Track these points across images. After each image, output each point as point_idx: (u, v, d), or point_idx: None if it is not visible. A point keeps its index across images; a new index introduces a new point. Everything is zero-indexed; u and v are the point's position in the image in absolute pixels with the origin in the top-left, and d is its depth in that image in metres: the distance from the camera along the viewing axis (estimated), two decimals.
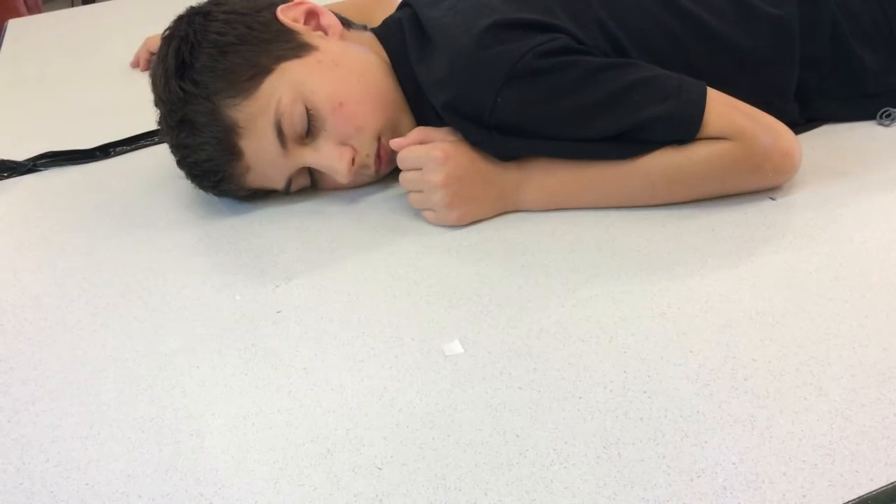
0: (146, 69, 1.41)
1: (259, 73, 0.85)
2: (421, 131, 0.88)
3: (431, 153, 0.84)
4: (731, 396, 0.60)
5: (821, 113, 0.95)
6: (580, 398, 0.62)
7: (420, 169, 0.85)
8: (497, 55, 0.80)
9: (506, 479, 0.56)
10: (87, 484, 0.59)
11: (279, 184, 0.92)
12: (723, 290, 0.72)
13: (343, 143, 0.88)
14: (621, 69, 0.81)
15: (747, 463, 0.55)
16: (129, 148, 1.14)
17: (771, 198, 0.84)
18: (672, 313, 0.69)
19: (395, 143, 0.87)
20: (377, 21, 0.99)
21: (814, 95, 0.93)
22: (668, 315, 0.69)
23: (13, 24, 1.85)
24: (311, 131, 0.87)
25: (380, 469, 0.58)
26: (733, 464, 0.55)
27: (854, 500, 0.52)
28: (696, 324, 0.68)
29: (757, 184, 0.83)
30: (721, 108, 0.80)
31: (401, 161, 0.87)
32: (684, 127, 0.79)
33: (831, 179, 0.86)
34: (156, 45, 1.38)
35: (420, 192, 0.86)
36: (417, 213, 0.88)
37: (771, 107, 0.82)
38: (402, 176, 0.87)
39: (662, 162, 0.81)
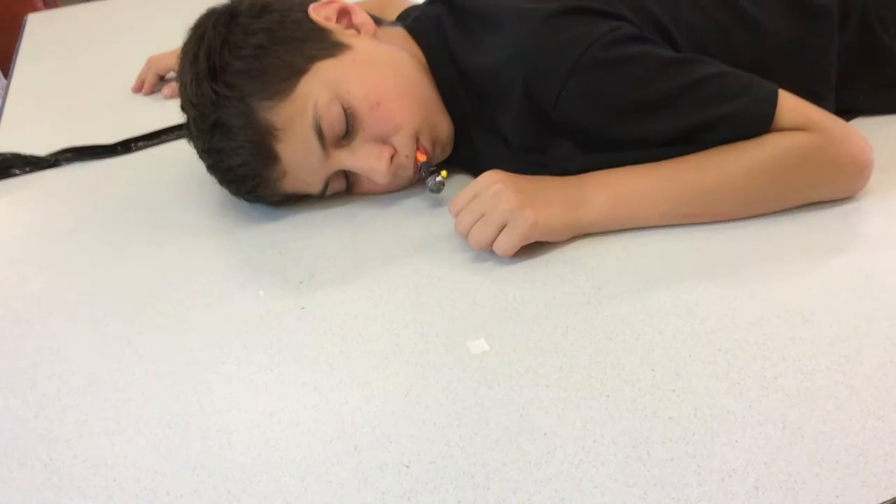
0: (150, 93, 1.32)
1: (294, 73, 0.83)
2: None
3: (483, 180, 0.80)
4: (761, 395, 0.60)
5: (848, 104, 0.93)
6: (608, 396, 0.61)
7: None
8: (563, 44, 0.78)
9: (534, 478, 0.56)
10: (114, 480, 0.60)
11: (316, 188, 0.89)
12: (751, 287, 0.71)
13: (381, 144, 0.86)
14: (691, 64, 0.79)
15: (779, 463, 0.54)
16: (151, 143, 1.14)
17: None
18: (699, 311, 0.69)
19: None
20: (390, 17, 0.98)
21: (842, 85, 0.91)
22: (695, 313, 0.69)
23: (32, 19, 1.85)
24: (348, 132, 0.85)
25: (407, 467, 0.58)
26: (765, 463, 0.54)
27: (888, 500, 0.51)
28: (724, 322, 0.67)
29: (836, 178, 0.79)
30: (792, 101, 0.78)
31: (455, 204, 0.81)
32: (756, 124, 0.77)
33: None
34: (162, 66, 1.32)
35: (482, 215, 0.78)
36: (439, 212, 0.87)
37: (812, 98, 0.80)
38: (458, 217, 0.80)
39: (737, 153, 0.78)
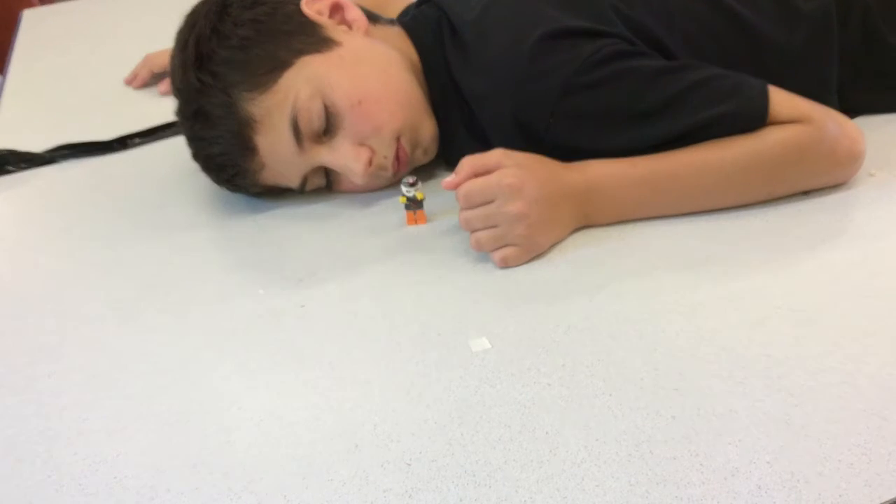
0: (141, 87, 1.34)
1: (278, 66, 0.83)
2: (472, 162, 0.78)
3: (504, 181, 0.76)
4: (765, 395, 0.59)
5: (853, 104, 0.92)
6: (610, 395, 0.61)
7: (489, 203, 0.76)
8: (549, 70, 0.79)
9: (536, 477, 0.55)
10: (115, 477, 0.59)
11: (294, 182, 0.89)
12: (755, 286, 0.71)
13: (361, 143, 0.86)
14: (678, 72, 0.79)
15: (782, 462, 0.54)
16: (147, 139, 1.14)
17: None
18: (703, 310, 0.69)
19: (448, 183, 0.78)
20: (392, 14, 0.98)
21: (846, 85, 0.91)
22: (698, 311, 0.68)
23: (28, 15, 1.84)
24: (328, 129, 0.85)
25: (408, 465, 0.57)
26: (768, 462, 0.54)
27: (892, 499, 0.51)
28: (728, 321, 0.67)
29: (831, 169, 0.81)
30: (783, 96, 0.79)
31: (467, 198, 0.77)
32: (751, 121, 0.78)
33: (862, 173, 0.84)
34: (158, 63, 1.33)
35: (493, 227, 0.77)
36: (440, 210, 0.87)
37: (813, 100, 0.80)
38: (466, 214, 0.78)
39: (735, 150, 0.78)
